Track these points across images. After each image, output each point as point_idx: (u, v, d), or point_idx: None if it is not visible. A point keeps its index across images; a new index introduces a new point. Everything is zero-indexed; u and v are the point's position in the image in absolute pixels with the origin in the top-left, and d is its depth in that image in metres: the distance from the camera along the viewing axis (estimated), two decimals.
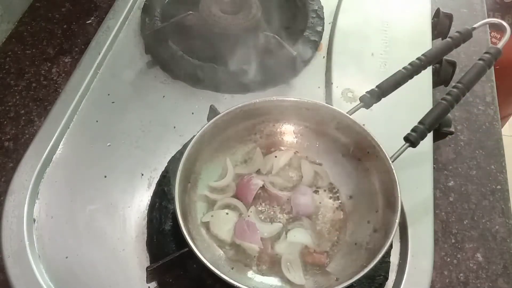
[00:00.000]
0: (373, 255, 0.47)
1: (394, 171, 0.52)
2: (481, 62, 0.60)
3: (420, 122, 0.56)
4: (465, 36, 0.64)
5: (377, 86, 0.59)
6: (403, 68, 0.60)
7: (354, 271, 0.47)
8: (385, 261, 0.56)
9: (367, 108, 0.59)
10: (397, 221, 0.49)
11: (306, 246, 0.54)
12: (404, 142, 0.55)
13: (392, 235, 0.48)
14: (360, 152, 0.58)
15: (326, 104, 0.59)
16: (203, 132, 0.55)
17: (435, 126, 0.57)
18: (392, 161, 0.53)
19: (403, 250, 0.58)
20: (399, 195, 0.50)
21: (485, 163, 0.70)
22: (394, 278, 0.56)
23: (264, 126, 0.61)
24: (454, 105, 0.57)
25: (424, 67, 0.60)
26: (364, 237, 0.53)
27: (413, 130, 0.55)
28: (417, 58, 0.60)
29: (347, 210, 0.57)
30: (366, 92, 0.59)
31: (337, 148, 0.60)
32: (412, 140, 0.55)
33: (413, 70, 0.59)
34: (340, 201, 0.58)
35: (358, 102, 0.59)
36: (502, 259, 0.61)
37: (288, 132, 0.62)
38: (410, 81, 0.60)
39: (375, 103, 0.59)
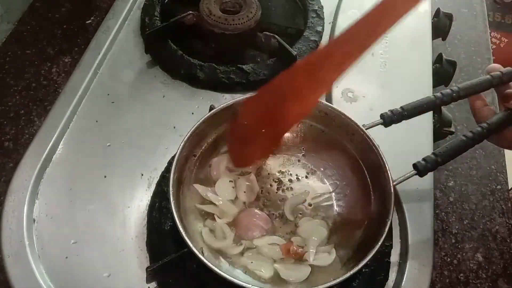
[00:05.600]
0: None
1: (393, 196, 0.51)
2: (508, 111, 0.57)
3: (433, 153, 0.54)
4: (507, 76, 0.58)
5: (401, 107, 0.56)
6: (433, 95, 0.57)
7: None
8: (385, 261, 0.56)
9: (386, 127, 0.56)
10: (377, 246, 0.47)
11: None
12: (411, 168, 0.54)
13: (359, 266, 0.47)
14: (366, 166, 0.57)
15: (342, 111, 0.57)
16: (200, 123, 0.55)
17: (449, 160, 0.55)
18: (394, 185, 0.52)
19: (403, 250, 0.58)
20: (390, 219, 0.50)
21: (485, 163, 0.70)
22: (394, 278, 0.56)
23: None
24: (474, 145, 0.55)
25: (455, 100, 0.57)
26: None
27: (424, 159, 0.54)
28: (450, 89, 0.57)
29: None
30: (388, 110, 0.56)
31: (343, 156, 0.59)
32: (420, 169, 0.53)
33: (442, 99, 0.57)
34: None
35: (357, 102, 0.58)
36: (502, 259, 0.61)
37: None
38: None
39: (395, 123, 0.56)
